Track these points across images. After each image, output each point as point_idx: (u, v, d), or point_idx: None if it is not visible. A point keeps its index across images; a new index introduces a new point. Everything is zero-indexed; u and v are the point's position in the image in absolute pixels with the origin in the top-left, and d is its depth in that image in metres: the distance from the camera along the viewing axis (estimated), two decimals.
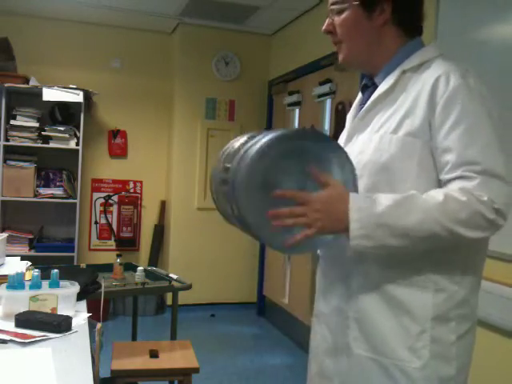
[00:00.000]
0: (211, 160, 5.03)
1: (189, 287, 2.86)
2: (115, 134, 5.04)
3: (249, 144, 1.13)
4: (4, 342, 1.44)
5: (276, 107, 4.99)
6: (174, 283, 2.89)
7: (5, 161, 4.36)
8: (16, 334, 1.48)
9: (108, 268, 3.03)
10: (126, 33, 5.02)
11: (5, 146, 4.34)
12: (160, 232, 5.19)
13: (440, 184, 1.15)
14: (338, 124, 3.80)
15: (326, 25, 1.30)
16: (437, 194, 1.09)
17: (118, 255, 3.06)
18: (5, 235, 2.34)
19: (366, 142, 1.23)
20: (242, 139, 1.23)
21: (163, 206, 5.22)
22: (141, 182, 5.17)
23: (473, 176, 1.08)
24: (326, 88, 3.94)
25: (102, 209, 5.05)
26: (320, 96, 4.05)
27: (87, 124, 4.69)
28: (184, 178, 4.99)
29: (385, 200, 1.10)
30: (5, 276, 1.78)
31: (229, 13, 4.56)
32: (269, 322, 4.88)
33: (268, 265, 5.01)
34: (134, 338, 3.25)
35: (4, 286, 1.69)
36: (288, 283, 4.56)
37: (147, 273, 2.98)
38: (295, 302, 4.37)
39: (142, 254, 5.19)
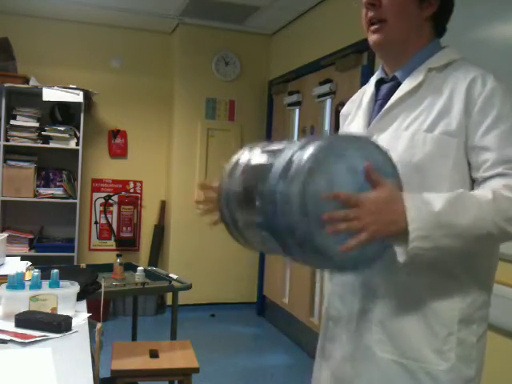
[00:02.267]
0: (211, 160, 5.02)
1: (189, 287, 2.86)
2: (115, 134, 5.04)
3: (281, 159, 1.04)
4: (4, 341, 1.43)
5: (276, 107, 4.99)
6: (174, 283, 2.89)
7: (5, 161, 4.36)
8: (16, 334, 1.48)
9: (108, 268, 3.03)
10: (125, 33, 5.02)
11: (5, 146, 4.34)
12: (160, 232, 5.18)
13: (473, 186, 1.13)
14: (339, 124, 3.79)
15: None
16: (485, 192, 1.05)
17: (118, 255, 3.06)
18: (5, 235, 2.34)
19: (393, 140, 1.18)
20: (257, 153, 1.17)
21: (163, 205, 5.22)
22: (141, 182, 5.17)
23: None
24: (325, 88, 3.94)
25: (102, 209, 5.05)
26: (320, 96, 4.05)
27: (87, 124, 4.69)
28: (184, 178, 4.98)
29: (439, 199, 1.03)
30: (5, 276, 1.78)
31: (229, 13, 4.56)
32: (269, 321, 4.88)
33: (268, 265, 5.00)
34: (134, 338, 3.25)
35: (4, 286, 1.69)
36: (288, 283, 4.56)
37: (147, 273, 2.98)
38: (295, 301, 4.37)
39: (141, 254, 5.18)
